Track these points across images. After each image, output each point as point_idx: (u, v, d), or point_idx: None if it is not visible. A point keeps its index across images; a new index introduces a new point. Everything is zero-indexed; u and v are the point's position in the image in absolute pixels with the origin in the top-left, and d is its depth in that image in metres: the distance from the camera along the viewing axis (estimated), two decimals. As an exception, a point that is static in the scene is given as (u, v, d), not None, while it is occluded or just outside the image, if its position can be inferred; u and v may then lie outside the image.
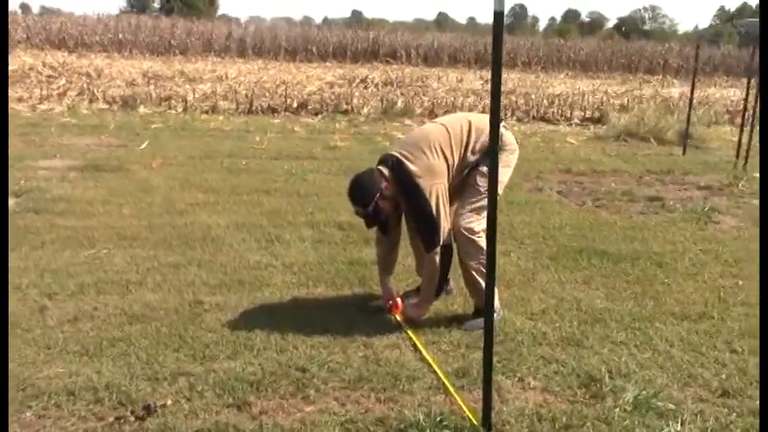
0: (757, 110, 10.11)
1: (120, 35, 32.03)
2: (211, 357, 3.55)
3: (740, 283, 5.03)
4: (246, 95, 15.71)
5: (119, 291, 4.43)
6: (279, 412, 3.07)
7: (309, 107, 14.66)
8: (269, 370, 3.41)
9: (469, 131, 4.00)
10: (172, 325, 3.92)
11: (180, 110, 14.07)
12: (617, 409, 3.16)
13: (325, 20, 71.34)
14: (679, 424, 3.02)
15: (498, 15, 2.56)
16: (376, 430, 2.95)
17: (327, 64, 31.55)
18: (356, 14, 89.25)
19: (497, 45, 2.59)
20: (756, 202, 7.80)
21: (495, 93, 2.65)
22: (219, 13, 70.88)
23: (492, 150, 2.83)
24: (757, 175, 9.18)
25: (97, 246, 5.31)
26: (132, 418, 2.94)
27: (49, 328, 3.84)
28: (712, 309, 4.49)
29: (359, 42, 35.50)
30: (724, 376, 3.57)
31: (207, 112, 13.87)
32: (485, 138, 3.97)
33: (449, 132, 3.98)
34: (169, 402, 3.07)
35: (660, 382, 3.46)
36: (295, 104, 14.79)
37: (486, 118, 4.31)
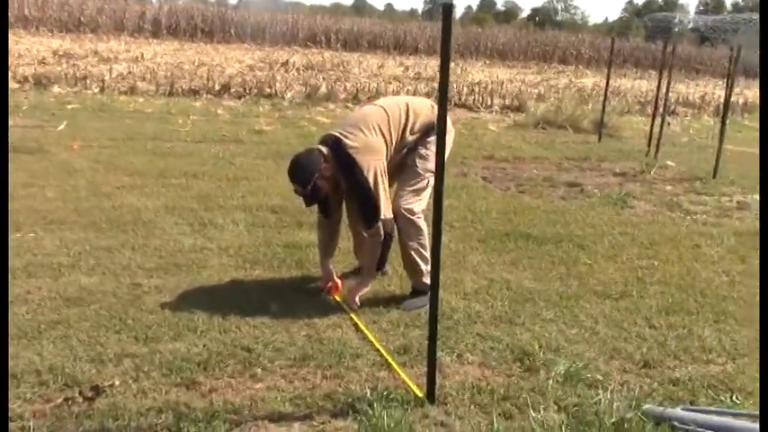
0: (667, 101, 10.65)
1: (26, 11, 30.65)
2: (155, 339, 3.55)
3: (655, 263, 5.34)
4: (166, 77, 15.39)
5: (51, 274, 4.35)
6: (228, 390, 3.11)
7: (232, 90, 14.51)
8: (214, 350, 3.45)
9: (407, 112, 4.14)
10: (111, 307, 3.89)
11: (97, 90, 13.67)
12: (550, 381, 3.35)
13: (241, 1, 69.90)
14: (608, 393, 3.23)
15: (446, 8, 2.66)
16: (325, 405, 3.03)
17: (246, 46, 31.13)
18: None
19: (446, 37, 2.69)
20: (669, 188, 8.25)
21: (444, 83, 2.76)
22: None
23: (438, 142, 2.95)
24: (669, 162, 9.70)
25: (23, 229, 5.16)
26: (81, 399, 2.92)
27: (-18, 312, 3.74)
28: (632, 288, 4.77)
29: (278, 25, 35.13)
30: (645, 350, 3.81)
31: (126, 93, 13.54)
32: (422, 119, 4.10)
33: (387, 114, 4.10)
34: (117, 383, 3.07)
35: (588, 356, 3.68)
36: (217, 87, 14.60)
37: (423, 101, 4.47)
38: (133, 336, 3.58)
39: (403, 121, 4.13)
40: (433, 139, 4.14)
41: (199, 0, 47.78)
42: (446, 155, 4.26)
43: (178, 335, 3.62)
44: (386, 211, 4.02)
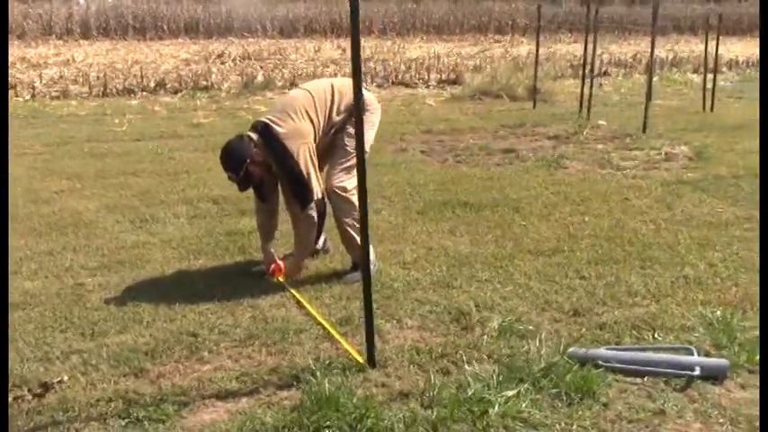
0: (596, 63, 10.95)
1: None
2: (101, 333, 3.63)
3: (586, 219, 5.58)
4: (98, 78, 15.15)
5: (-7, 282, 4.37)
6: (176, 375, 3.22)
7: (167, 86, 14.35)
8: (161, 339, 3.55)
9: (333, 94, 4.26)
10: (56, 308, 3.94)
11: (27, 97, 13.40)
12: (485, 336, 3.54)
13: (173, -5, 68.62)
14: (537, 341, 3.43)
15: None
16: (270, 379, 3.17)
17: (180, 41, 30.64)
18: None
19: (354, 20, 2.81)
20: (600, 146, 8.52)
21: (356, 64, 2.89)
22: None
23: (357, 116, 3.08)
24: (601, 122, 9.99)
25: (-39, 241, 5.15)
26: (30, 396, 3.00)
27: (-75, 325, 3.77)
28: (563, 244, 4.99)
29: (211, 17, 34.67)
30: (575, 299, 4.03)
31: (57, 98, 13.28)
32: (347, 99, 4.22)
33: (313, 96, 4.22)
34: (65, 378, 3.15)
35: (521, 310, 3.88)
36: (152, 84, 14.42)
37: (348, 81, 4.58)
38: (80, 333, 3.65)
39: (329, 102, 4.26)
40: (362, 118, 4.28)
41: (128, -3, 46.96)
42: (374, 132, 4.44)
43: (124, 328, 3.70)
44: (318, 192, 4.16)
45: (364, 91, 4.40)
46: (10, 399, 3.00)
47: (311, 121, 4.16)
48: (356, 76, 2.93)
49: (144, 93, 13.90)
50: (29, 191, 6.57)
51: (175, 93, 13.92)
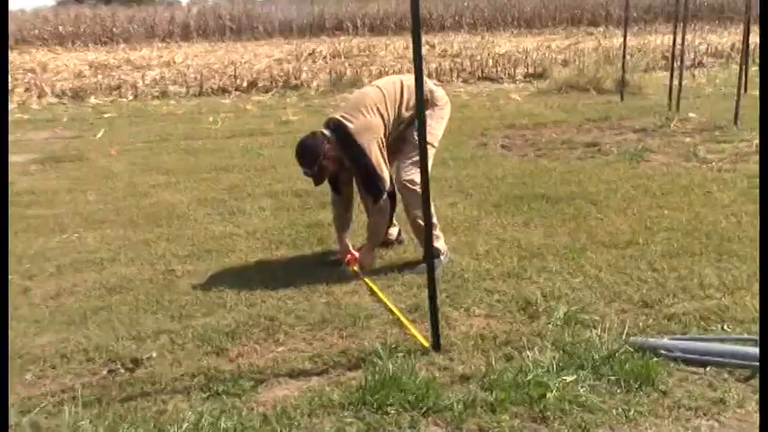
0: (686, 53, 10.66)
1: (61, 28, 31.57)
2: (188, 316, 3.92)
3: (665, 212, 5.51)
4: (195, 78, 15.86)
5: (95, 268, 4.76)
6: (253, 354, 3.46)
7: (260, 85, 14.89)
8: (241, 321, 3.80)
9: (402, 90, 4.42)
10: (148, 292, 4.27)
11: (131, 97, 14.20)
12: (550, 325, 3.61)
13: (268, -4, 70.42)
14: (601, 330, 3.48)
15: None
16: (340, 360, 3.36)
17: (274, 41, 31.55)
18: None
19: (415, 17, 2.95)
20: (688, 139, 8.34)
21: (417, 60, 3.03)
22: (159, -3, 69.75)
23: (419, 110, 3.22)
24: (691, 114, 9.75)
25: (68, 231, 5.60)
26: (123, 370, 3.31)
27: (35, 306, 4.16)
28: (638, 236, 4.97)
29: (304, 17, 35.48)
30: (644, 290, 4.04)
31: (158, 98, 14.03)
32: (416, 95, 4.36)
33: (383, 92, 4.39)
34: (154, 355, 3.45)
35: (588, 301, 3.92)
36: (245, 83, 15.00)
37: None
38: (169, 315, 3.95)
39: (398, 98, 4.41)
40: (428, 112, 4.42)
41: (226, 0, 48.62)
42: (442, 126, 4.57)
43: (209, 311, 3.98)
44: (388, 185, 4.33)
45: (433, 86, 4.59)
46: (105, 372, 3.31)
47: (381, 116, 4.33)
48: (418, 72, 3.07)
49: (237, 92, 14.47)
50: (129, 185, 7.03)
51: (267, 91, 14.42)
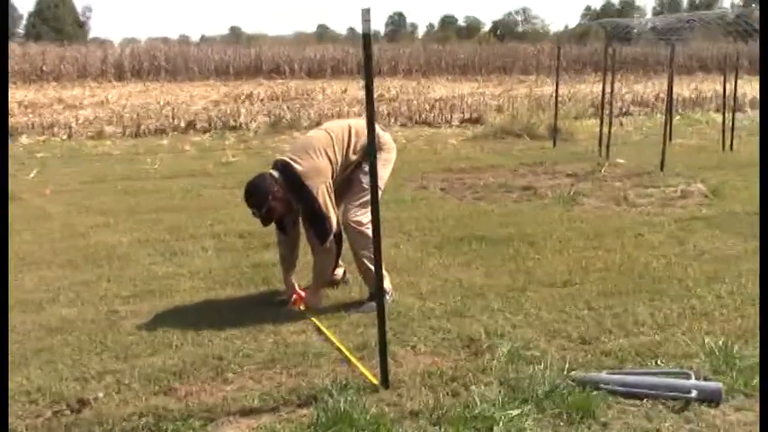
0: (614, 102, 11.16)
1: (-12, 65, 30.75)
2: (133, 356, 3.88)
3: (599, 253, 5.75)
4: (132, 118, 15.71)
5: (33, 309, 4.66)
6: (202, 393, 3.45)
7: (198, 126, 14.87)
8: (189, 361, 3.78)
9: (350, 134, 4.54)
10: (91, 333, 4.21)
11: (65, 137, 13.96)
12: (494, 361, 3.72)
13: (203, 38, 70.43)
14: (543, 366, 3.61)
15: (366, 37, 3.05)
16: (290, 398, 3.38)
17: (210, 82, 31.50)
18: (235, 30, 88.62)
19: (368, 63, 3.08)
20: (618, 184, 8.70)
21: (369, 103, 3.15)
22: (91, 36, 68.88)
23: (370, 154, 3.34)
24: (620, 161, 10.19)
25: (3, 271, 5.46)
26: (68, 412, 3.25)
27: (-29, 348, 4.04)
28: (575, 276, 5.16)
29: (241, 59, 35.64)
30: (583, 328, 4.20)
31: (93, 138, 13.84)
32: (364, 139, 4.48)
33: (331, 136, 4.50)
34: (101, 395, 3.40)
35: (530, 338, 4.05)
36: (183, 124, 14.95)
37: (364, 122, 4.87)
38: (113, 355, 3.90)
39: (346, 142, 4.53)
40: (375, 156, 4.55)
41: (160, 40, 48.40)
42: (388, 169, 4.70)
43: (155, 351, 3.95)
44: (335, 226, 4.42)
45: (380, 131, 4.71)
46: (49, 413, 3.25)
47: (329, 159, 4.43)
48: (369, 116, 3.18)
49: (175, 132, 14.41)
50: (66, 225, 6.91)
51: (205, 132, 14.40)
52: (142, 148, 12.45)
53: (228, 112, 16.85)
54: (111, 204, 7.82)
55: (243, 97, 21.44)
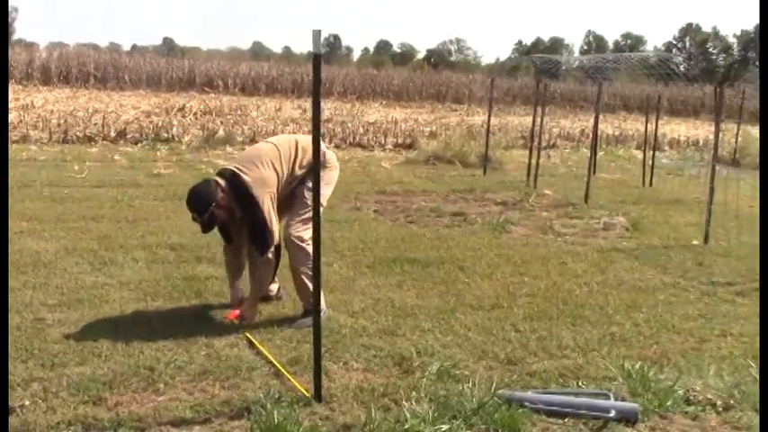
0: (543, 135, 11.55)
1: None
2: (61, 365, 3.81)
3: (526, 279, 5.95)
4: (59, 124, 15.31)
5: (-46, 314, 4.51)
6: (132, 403, 3.43)
7: (128, 136, 14.60)
8: (119, 371, 3.75)
9: (296, 149, 4.60)
10: (16, 340, 4.10)
11: (-14, 140, 13.48)
12: (424, 379, 3.83)
13: (135, 47, 69.16)
14: (471, 384, 3.73)
15: (316, 58, 3.15)
16: (222, 410, 3.39)
17: (141, 92, 30.93)
18: (168, 42, 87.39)
19: (317, 84, 3.17)
20: (544, 213, 9.00)
21: (316, 123, 3.23)
22: (15, 37, 66.73)
23: (315, 171, 3.41)
24: (547, 191, 10.53)
25: None
26: (-7, 419, 3.17)
27: None
28: (503, 300, 5.34)
29: (174, 71, 35.10)
30: (509, 350, 4.35)
31: (17, 142, 13.40)
32: (310, 156, 4.56)
33: (278, 150, 4.56)
34: (27, 403, 3.33)
35: (459, 357, 4.18)
36: (113, 133, 14.66)
37: (310, 139, 4.94)
38: (40, 363, 3.83)
39: (293, 156, 4.59)
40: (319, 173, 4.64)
41: (89, 46, 47.29)
42: (331, 188, 4.79)
43: (83, 360, 3.89)
44: (276, 239, 4.46)
45: (325, 149, 4.82)
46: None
47: (276, 172, 4.49)
48: (316, 135, 3.27)
49: (104, 141, 14.12)
50: (-12, 230, 6.69)
51: (136, 143, 14.16)
52: (70, 155, 12.15)
53: (160, 123, 16.61)
54: (36, 211, 7.62)
55: (175, 110, 21.14)
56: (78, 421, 3.21)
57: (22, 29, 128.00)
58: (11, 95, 23.20)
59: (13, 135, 13.92)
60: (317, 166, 3.42)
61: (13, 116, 16.95)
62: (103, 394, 3.49)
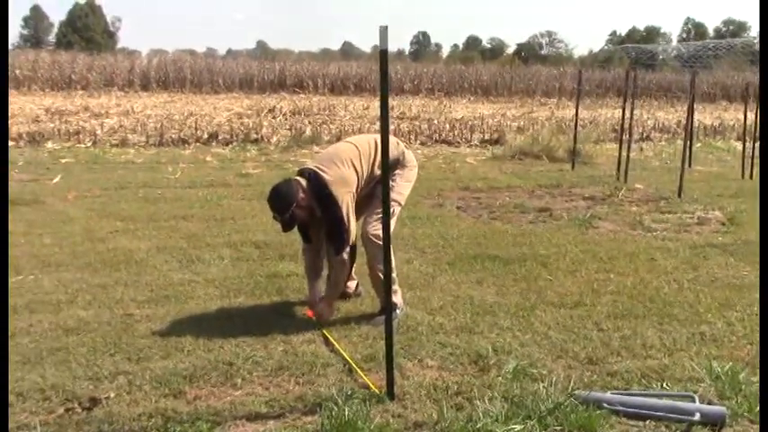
0: (634, 127, 11.17)
1: (18, 71, 31.34)
2: (146, 358, 3.96)
3: (611, 276, 5.76)
4: (156, 128, 15.94)
5: (51, 310, 4.76)
6: (210, 397, 3.52)
7: (220, 138, 15.03)
8: (199, 365, 3.85)
9: (375, 148, 4.60)
10: (106, 335, 4.29)
11: (89, 144, 14.19)
12: (499, 378, 3.76)
13: (230, 51, 71.30)
14: (548, 384, 3.63)
15: (383, 53, 3.13)
16: (296, 405, 3.44)
17: (234, 95, 31.87)
18: (261, 45, 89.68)
19: (384, 78, 3.16)
20: (634, 208, 8.71)
21: (384, 121, 3.22)
22: (119, 46, 70.00)
23: (384, 168, 3.41)
24: (638, 185, 10.19)
25: (23, 273, 5.58)
26: (80, 410, 3.33)
27: (-11, 345, 4.14)
28: (586, 298, 5.18)
29: (265, 73, 35.98)
30: (590, 349, 4.22)
31: (117, 146, 14.05)
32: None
33: (358, 149, 4.58)
34: (112, 395, 3.48)
35: (537, 356, 4.08)
36: (205, 135, 15.13)
37: (391, 139, 4.94)
38: (126, 357, 3.98)
39: (372, 156, 4.60)
40: (398, 172, 4.67)
41: (187, 52, 49.05)
42: (410, 186, 4.80)
43: (167, 354, 4.02)
44: (353, 239, 4.48)
45: (404, 148, 4.83)
46: (62, 410, 3.33)
47: (356, 171, 4.51)
48: (384, 133, 3.26)
49: (197, 143, 14.58)
50: (86, 230, 7.04)
51: (227, 144, 14.56)
52: (164, 157, 12.62)
53: (251, 125, 17.04)
54: (131, 211, 7.95)
55: (266, 111, 21.65)
56: (159, 414, 3.32)
57: (125, 38, 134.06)
58: (113, 102, 24.35)
59: (112, 139, 14.63)
60: (384, 162, 3.40)
61: (113, 121, 17.79)
62: (183, 388, 3.59)
